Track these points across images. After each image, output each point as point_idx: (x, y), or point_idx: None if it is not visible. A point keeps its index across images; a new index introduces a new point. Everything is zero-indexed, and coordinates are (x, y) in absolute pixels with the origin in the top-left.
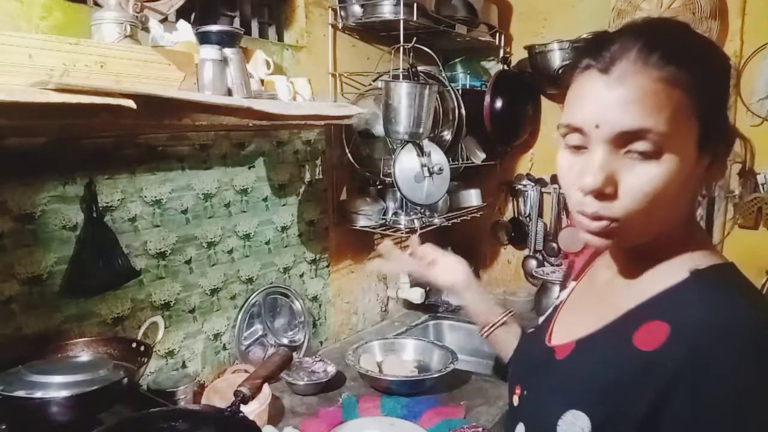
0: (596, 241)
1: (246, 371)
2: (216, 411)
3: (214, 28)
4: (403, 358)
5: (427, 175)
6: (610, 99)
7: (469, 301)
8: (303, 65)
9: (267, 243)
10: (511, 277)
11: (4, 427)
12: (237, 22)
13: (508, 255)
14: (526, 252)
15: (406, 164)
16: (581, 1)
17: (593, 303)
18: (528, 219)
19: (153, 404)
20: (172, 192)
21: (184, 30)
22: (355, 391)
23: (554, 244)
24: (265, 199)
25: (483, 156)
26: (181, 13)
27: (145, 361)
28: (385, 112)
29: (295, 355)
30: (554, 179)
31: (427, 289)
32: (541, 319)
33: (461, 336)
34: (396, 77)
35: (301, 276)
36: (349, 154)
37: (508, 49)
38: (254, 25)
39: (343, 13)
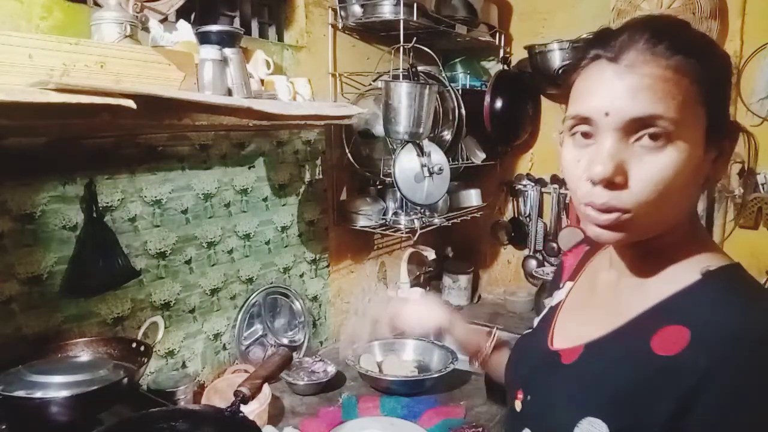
0: (606, 235)
1: (246, 371)
2: (216, 411)
3: (214, 28)
4: (403, 358)
5: (427, 175)
6: (619, 87)
7: (458, 335)
8: (303, 65)
9: (267, 243)
10: (511, 277)
11: (4, 427)
12: (237, 22)
13: (508, 255)
14: (526, 252)
15: (406, 164)
16: (581, 1)
17: (598, 305)
18: (528, 219)
19: (153, 404)
20: (172, 192)
21: (184, 30)
22: (355, 391)
23: (554, 244)
24: (265, 199)
25: (483, 156)
26: (181, 13)
27: (145, 361)
28: (385, 112)
29: (295, 355)
30: (554, 179)
31: (428, 289)
32: (536, 321)
33: None
34: (396, 77)
35: (301, 276)
36: (349, 154)
37: (508, 49)
38: (254, 25)
39: (343, 13)
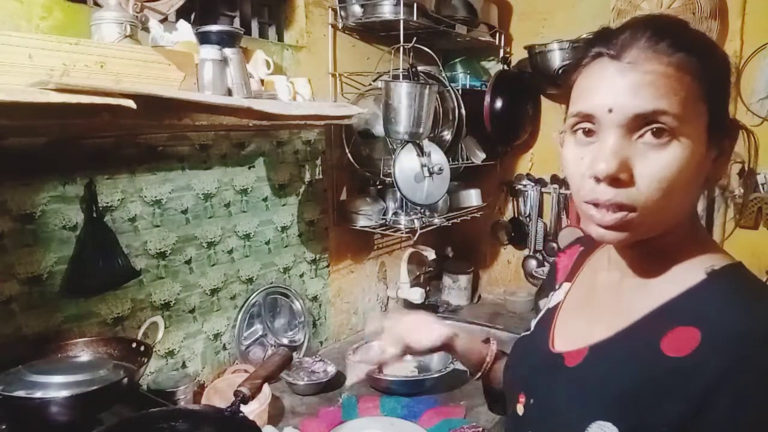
0: (610, 235)
1: (246, 371)
2: (216, 411)
3: (214, 28)
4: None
5: (427, 175)
6: (622, 83)
7: (460, 348)
8: (303, 65)
9: (267, 243)
10: (511, 277)
11: (4, 427)
12: (237, 22)
13: (508, 255)
14: (526, 252)
15: (406, 164)
16: (581, 1)
17: (600, 306)
18: (528, 219)
19: (153, 404)
20: (172, 192)
21: (184, 30)
22: (355, 391)
23: (554, 244)
24: (265, 199)
25: (483, 156)
26: (181, 13)
27: (145, 361)
28: (385, 112)
29: (295, 355)
30: (554, 179)
31: (428, 289)
32: (533, 323)
33: None
34: (396, 77)
35: (301, 276)
36: (349, 154)
37: (508, 49)
38: (254, 25)
39: (343, 13)
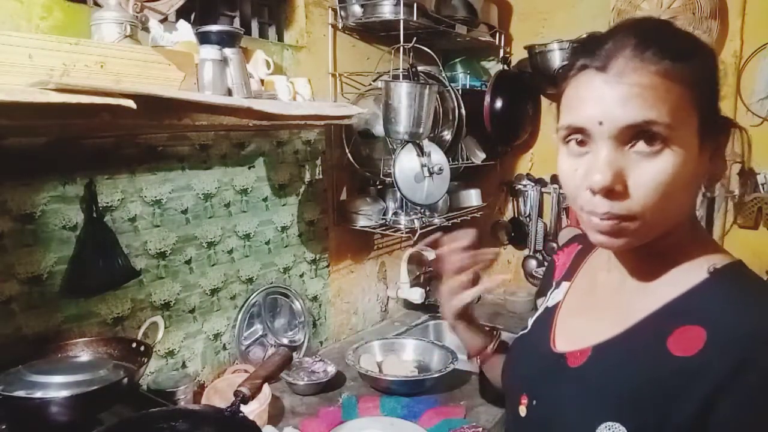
0: (610, 242)
1: (246, 371)
2: (216, 411)
3: (214, 28)
4: (403, 358)
5: (427, 175)
6: (610, 95)
7: (466, 329)
8: (303, 65)
9: (267, 243)
10: (511, 277)
11: (4, 427)
12: (237, 22)
13: (508, 255)
14: (526, 252)
15: (406, 164)
16: (581, 1)
17: (601, 306)
18: (528, 219)
19: (153, 404)
20: (172, 192)
21: (184, 30)
22: (355, 391)
23: (554, 244)
24: (265, 199)
25: (483, 156)
26: (181, 13)
27: (145, 361)
28: (385, 112)
29: (295, 355)
30: (554, 179)
31: (428, 289)
32: (530, 321)
33: None
34: (396, 77)
35: (301, 276)
36: (349, 154)
37: (508, 49)
38: (254, 25)
39: (343, 13)
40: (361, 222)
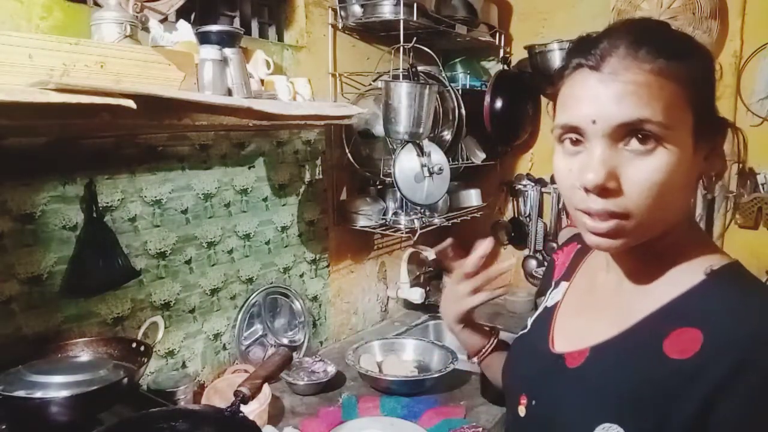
0: (605, 243)
1: (246, 371)
2: (216, 411)
3: (214, 28)
4: (403, 358)
5: (427, 175)
6: (604, 94)
7: (461, 329)
8: (303, 65)
9: (267, 243)
10: (511, 277)
11: (4, 427)
12: (237, 22)
13: (508, 255)
14: (526, 252)
15: (406, 164)
16: (581, 1)
17: (600, 307)
18: (528, 219)
19: (153, 404)
20: (172, 192)
21: (184, 30)
22: (355, 391)
23: (554, 244)
24: (265, 199)
25: (483, 156)
26: (181, 13)
27: (145, 361)
28: (385, 112)
29: (295, 355)
30: (554, 179)
31: (428, 289)
32: (529, 321)
33: None
34: (396, 77)
35: (301, 276)
36: (349, 154)
37: (508, 49)
38: (254, 25)
39: (343, 13)
40: (361, 222)
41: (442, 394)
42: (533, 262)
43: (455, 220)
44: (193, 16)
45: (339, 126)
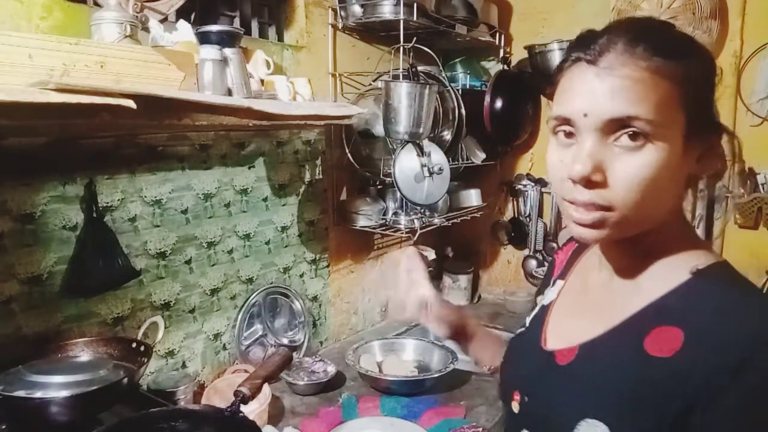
0: (588, 234)
1: (246, 371)
2: (216, 411)
3: (214, 28)
4: (403, 358)
5: (427, 175)
6: (598, 88)
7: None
8: (303, 65)
9: (267, 243)
10: (511, 277)
11: (4, 427)
12: (237, 22)
13: (508, 255)
14: (526, 252)
15: (406, 164)
16: (581, 1)
17: (591, 305)
18: (528, 219)
19: (153, 404)
20: (172, 192)
21: (184, 30)
22: (355, 391)
23: (554, 244)
24: (265, 199)
25: (483, 156)
26: (181, 13)
27: (145, 361)
28: (385, 112)
29: (295, 355)
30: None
31: None
32: (528, 319)
33: None
34: (396, 77)
35: (301, 276)
36: (349, 154)
37: (508, 49)
38: (254, 25)
39: (343, 13)
40: (361, 222)
41: (442, 394)
42: (533, 262)
43: (455, 220)
44: (193, 16)
45: (339, 126)
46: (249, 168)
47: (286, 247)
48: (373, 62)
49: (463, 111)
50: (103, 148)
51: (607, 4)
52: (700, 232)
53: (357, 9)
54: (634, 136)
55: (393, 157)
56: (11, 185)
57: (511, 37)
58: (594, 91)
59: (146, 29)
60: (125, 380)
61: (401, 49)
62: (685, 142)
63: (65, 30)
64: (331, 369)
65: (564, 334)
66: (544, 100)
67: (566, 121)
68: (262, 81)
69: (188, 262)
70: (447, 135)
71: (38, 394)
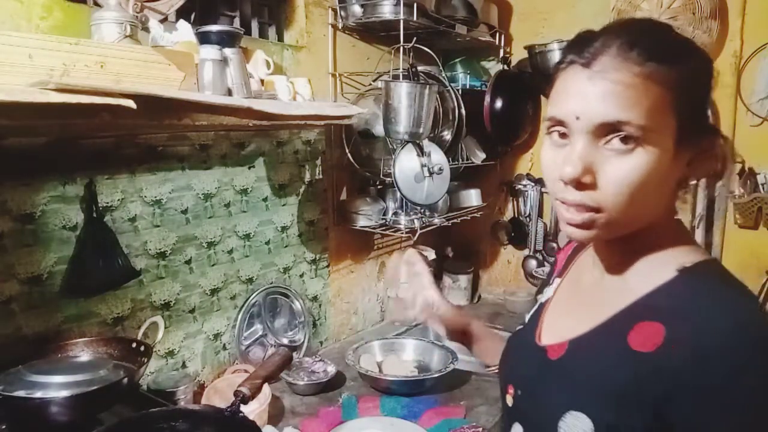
0: (578, 233)
1: (246, 371)
2: (216, 411)
3: (214, 28)
4: (403, 358)
5: (427, 175)
6: (590, 92)
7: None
8: (303, 65)
9: (267, 243)
10: (511, 277)
11: (4, 427)
12: (237, 22)
13: (508, 255)
14: (526, 252)
15: (406, 164)
16: (581, 1)
17: (582, 302)
18: (528, 219)
19: (153, 404)
20: (172, 192)
21: (184, 30)
22: (355, 391)
23: (554, 244)
24: (265, 199)
25: (483, 156)
26: (181, 13)
27: (145, 361)
28: (385, 112)
29: (295, 355)
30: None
31: None
32: (527, 317)
33: None
34: (396, 77)
35: (301, 276)
36: (349, 154)
37: (508, 49)
38: (254, 25)
39: (343, 13)
40: (361, 222)
41: (442, 394)
42: (533, 262)
43: (455, 220)
44: (193, 16)
45: (339, 126)
46: (249, 168)
47: (286, 247)
48: (373, 62)
49: (463, 111)
50: (103, 148)
51: (607, 4)
52: (700, 232)
53: (357, 9)
54: (624, 140)
55: (393, 157)
56: (11, 185)
57: (511, 37)
58: (586, 95)
59: (146, 29)
60: (125, 380)
61: (401, 49)
62: (676, 146)
63: (65, 30)
64: (331, 369)
65: (557, 331)
66: (544, 100)
67: (559, 123)
68: (262, 81)
69: (188, 262)
70: (447, 135)
71: (38, 394)
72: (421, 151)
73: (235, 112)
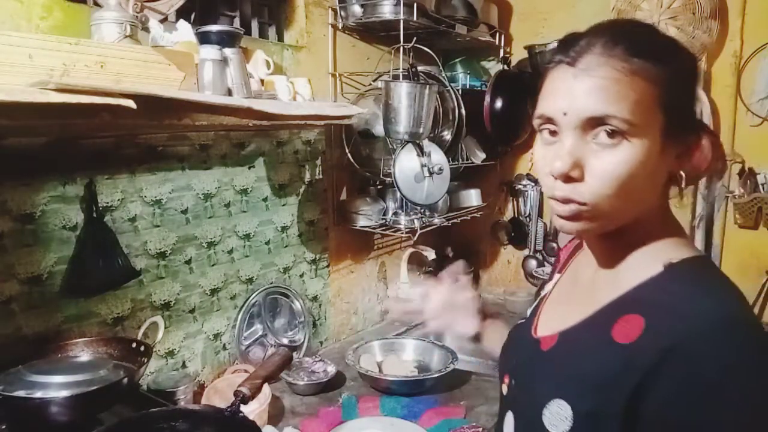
0: (567, 225)
1: (246, 371)
2: (216, 411)
3: (214, 28)
4: (403, 358)
5: (427, 175)
6: (576, 88)
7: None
8: (303, 65)
9: (267, 243)
10: (511, 277)
11: (4, 427)
12: (237, 22)
13: (508, 255)
14: (526, 252)
15: (406, 164)
16: (581, 1)
17: (577, 296)
18: (528, 219)
19: (153, 404)
20: (172, 192)
21: (184, 30)
22: (355, 391)
23: (554, 244)
24: (265, 199)
25: (483, 156)
26: (181, 13)
27: (145, 361)
28: (385, 112)
29: (295, 355)
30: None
31: None
32: (528, 311)
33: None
34: (396, 77)
35: (301, 276)
36: (349, 154)
37: (508, 49)
38: (254, 25)
39: (343, 13)
40: (361, 222)
41: (442, 394)
42: (533, 262)
43: (455, 220)
44: (193, 16)
45: (339, 126)
46: (249, 168)
47: (286, 247)
48: (373, 62)
49: (463, 111)
50: (103, 148)
51: (607, 4)
52: (700, 232)
53: (357, 9)
54: (611, 134)
55: (393, 157)
56: (11, 185)
57: (511, 37)
58: (573, 91)
59: (146, 29)
60: (125, 380)
61: (401, 49)
62: (664, 140)
63: (65, 30)
64: (331, 369)
65: (550, 323)
66: None
67: (549, 120)
68: (262, 81)
69: (188, 262)
70: (447, 135)
71: (38, 394)
72: (421, 151)
73: (235, 112)
